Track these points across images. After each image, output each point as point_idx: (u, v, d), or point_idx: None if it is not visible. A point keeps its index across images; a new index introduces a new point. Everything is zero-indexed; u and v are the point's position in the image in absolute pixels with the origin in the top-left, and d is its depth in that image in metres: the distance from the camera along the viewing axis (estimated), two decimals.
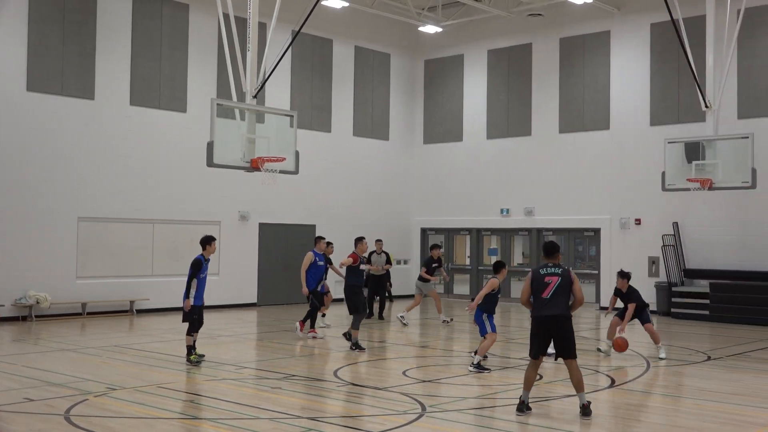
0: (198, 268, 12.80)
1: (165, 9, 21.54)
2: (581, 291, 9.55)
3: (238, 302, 22.74)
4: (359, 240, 15.31)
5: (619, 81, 23.55)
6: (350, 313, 14.90)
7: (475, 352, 12.85)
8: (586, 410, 9.26)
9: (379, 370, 12.91)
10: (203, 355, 13.07)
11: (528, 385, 9.44)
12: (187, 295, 12.79)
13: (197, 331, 13.00)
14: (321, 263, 16.42)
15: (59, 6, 19.55)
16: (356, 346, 14.45)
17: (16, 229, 18.76)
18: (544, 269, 9.53)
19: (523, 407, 9.37)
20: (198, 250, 13.37)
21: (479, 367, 12.48)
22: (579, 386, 9.35)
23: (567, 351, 9.37)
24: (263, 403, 10.06)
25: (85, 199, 19.95)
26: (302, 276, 16.04)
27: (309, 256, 16.14)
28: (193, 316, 12.88)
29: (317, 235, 16.21)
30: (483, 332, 12.90)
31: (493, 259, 26.45)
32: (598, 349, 14.70)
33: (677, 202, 21.66)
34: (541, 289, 9.42)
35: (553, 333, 9.40)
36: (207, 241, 13.14)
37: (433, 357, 14.18)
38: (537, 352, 9.46)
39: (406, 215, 27.73)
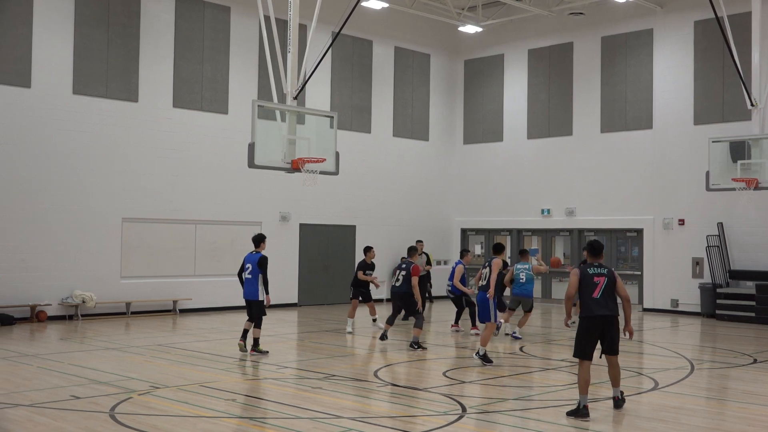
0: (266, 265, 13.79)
1: (207, 11, 21.78)
2: (625, 288, 9.73)
3: (279, 302, 22.87)
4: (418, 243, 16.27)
5: (662, 80, 23.25)
6: (408, 316, 15.25)
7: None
8: (618, 403, 9.59)
9: (419, 371, 12.91)
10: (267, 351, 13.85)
11: (585, 388, 9.38)
12: (267, 291, 13.75)
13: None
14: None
15: (104, 9, 19.87)
16: (416, 344, 14.73)
17: (63, 230, 19.11)
18: (592, 269, 9.62)
19: (585, 412, 9.25)
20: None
21: (484, 359, 12.70)
22: (616, 381, 9.66)
23: (613, 348, 9.57)
24: (304, 402, 10.12)
25: (129, 200, 20.25)
26: (459, 286, 17.02)
27: (460, 269, 17.08)
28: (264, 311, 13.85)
29: (464, 248, 17.62)
30: (486, 318, 13.01)
31: (533, 260, 26.27)
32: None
33: (722, 202, 21.32)
34: (590, 289, 9.50)
35: (603, 332, 9.51)
36: (263, 239, 14.00)
37: (473, 358, 14.13)
38: (588, 352, 9.49)
39: (446, 216, 27.68)
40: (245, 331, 14.12)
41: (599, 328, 9.47)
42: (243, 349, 13.91)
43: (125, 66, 20.25)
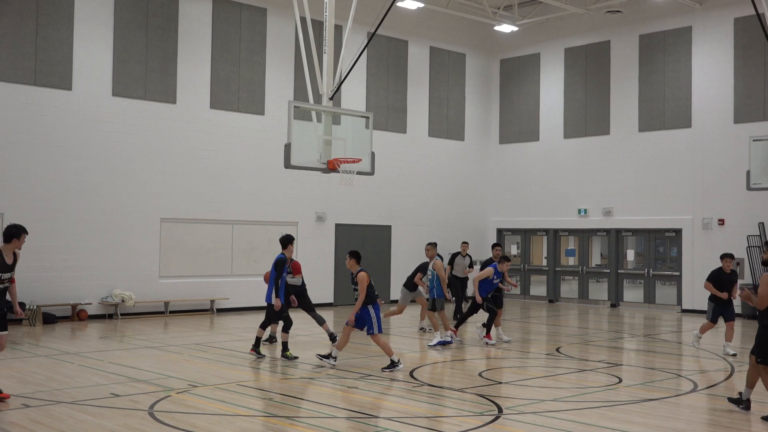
0: (283, 268, 13.28)
1: (244, 13, 21.95)
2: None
3: (315, 302, 22.85)
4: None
5: (702, 78, 22.95)
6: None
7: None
8: None
9: (455, 371, 12.89)
10: (296, 357, 13.43)
11: (753, 383, 9.73)
12: (276, 294, 13.19)
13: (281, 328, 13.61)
14: (497, 281, 15.54)
15: (143, 12, 20.12)
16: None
17: (103, 230, 19.38)
18: None
19: (746, 404, 9.68)
20: (274, 251, 13.69)
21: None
22: None
23: None
24: (340, 402, 10.16)
25: (168, 201, 20.48)
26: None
27: (489, 271, 15.30)
28: (284, 314, 13.47)
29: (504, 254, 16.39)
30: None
31: (571, 260, 26.13)
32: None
33: (763, 201, 20.99)
34: None
35: None
36: (290, 241, 13.62)
37: (509, 359, 14.07)
38: None
39: (482, 216, 27.60)
40: (284, 343, 13.54)
41: None
42: (291, 356, 13.37)
43: (163, 68, 20.49)
